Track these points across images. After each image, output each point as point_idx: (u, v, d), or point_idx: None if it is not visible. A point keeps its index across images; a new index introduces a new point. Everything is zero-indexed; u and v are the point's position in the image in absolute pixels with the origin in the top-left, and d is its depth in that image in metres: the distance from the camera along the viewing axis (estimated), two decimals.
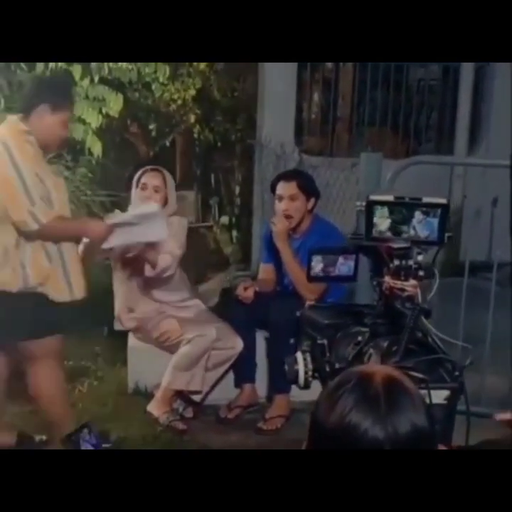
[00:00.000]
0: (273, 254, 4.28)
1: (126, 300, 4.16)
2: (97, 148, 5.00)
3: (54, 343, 3.37)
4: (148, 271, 3.94)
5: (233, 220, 7.00)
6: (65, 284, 3.26)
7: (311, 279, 2.12)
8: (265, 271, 4.36)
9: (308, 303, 2.21)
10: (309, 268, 2.10)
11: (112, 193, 5.51)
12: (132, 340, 4.23)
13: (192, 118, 6.58)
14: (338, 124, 7.51)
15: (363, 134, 7.31)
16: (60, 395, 3.46)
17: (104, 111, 4.94)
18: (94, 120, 4.88)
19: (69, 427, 3.43)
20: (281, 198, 4.07)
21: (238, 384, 4.15)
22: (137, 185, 4.05)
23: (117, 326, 4.24)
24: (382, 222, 1.80)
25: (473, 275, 4.74)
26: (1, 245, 3.16)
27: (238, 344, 4.03)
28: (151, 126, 6.62)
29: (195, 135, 6.79)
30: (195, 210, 7.93)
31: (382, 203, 1.79)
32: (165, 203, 4.04)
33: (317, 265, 2.08)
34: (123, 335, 4.30)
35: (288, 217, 4.02)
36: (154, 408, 3.96)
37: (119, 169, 6.24)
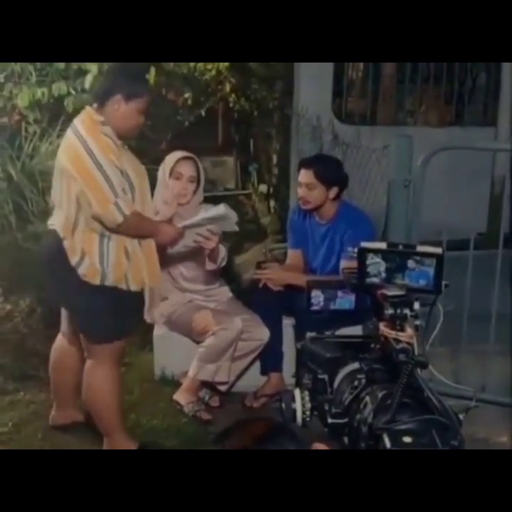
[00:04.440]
0: (300, 239, 4.20)
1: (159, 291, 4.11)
2: None
3: (118, 346, 3.38)
4: (209, 265, 3.92)
5: (271, 189, 6.88)
6: (140, 274, 3.30)
7: (312, 312, 2.05)
8: (293, 257, 4.29)
9: (309, 335, 2.14)
10: (310, 302, 2.04)
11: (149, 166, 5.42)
12: (158, 327, 4.21)
13: (227, 87, 6.46)
14: (380, 85, 7.20)
15: (404, 96, 7.01)
16: (113, 402, 3.40)
17: None
18: None
19: (119, 437, 3.41)
20: (300, 185, 4.01)
21: (265, 372, 4.12)
22: (171, 174, 3.94)
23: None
24: (375, 269, 1.71)
25: None
26: (86, 242, 3.19)
27: (265, 335, 3.99)
28: (187, 95, 6.51)
29: (231, 105, 6.65)
30: (234, 176, 7.84)
31: (375, 251, 1.70)
32: (195, 191, 3.98)
33: (317, 299, 2.01)
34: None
35: (305, 202, 4.00)
36: (181, 397, 3.97)
37: (154, 142, 6.17)
